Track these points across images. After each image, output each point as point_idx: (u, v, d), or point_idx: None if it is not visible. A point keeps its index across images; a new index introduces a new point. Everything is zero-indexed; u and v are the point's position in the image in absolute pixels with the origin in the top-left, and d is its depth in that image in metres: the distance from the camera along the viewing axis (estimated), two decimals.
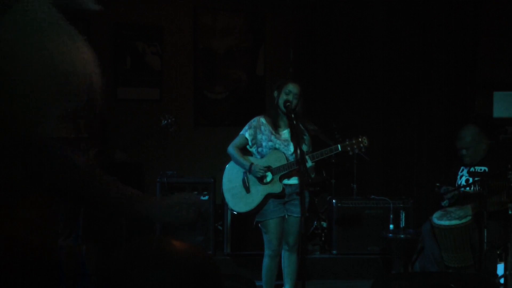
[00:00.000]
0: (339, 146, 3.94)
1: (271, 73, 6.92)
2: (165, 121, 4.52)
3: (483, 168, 4.58)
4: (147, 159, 6.40)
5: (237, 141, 4.22)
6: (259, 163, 4.09)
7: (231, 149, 4.20)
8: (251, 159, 4.18)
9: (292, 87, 4.09)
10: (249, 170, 4.09)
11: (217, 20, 6.86)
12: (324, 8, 6.65)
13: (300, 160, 3.79)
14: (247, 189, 4.10)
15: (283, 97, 4.07)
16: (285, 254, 4.22)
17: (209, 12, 6.83)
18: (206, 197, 5.25)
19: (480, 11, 6.60)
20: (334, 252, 5.37)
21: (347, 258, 5.35)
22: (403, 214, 5.16)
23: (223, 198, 5.30)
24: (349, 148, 3.93)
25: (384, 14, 6.61)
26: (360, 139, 3.92)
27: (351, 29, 6.64)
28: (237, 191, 4.16)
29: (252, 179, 4.12)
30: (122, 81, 6.54)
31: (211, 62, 6.86)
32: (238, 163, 4.17)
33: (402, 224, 5.13)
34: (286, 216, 4.13)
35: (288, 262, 4.23)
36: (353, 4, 6.62)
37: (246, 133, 4.18)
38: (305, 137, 4.17)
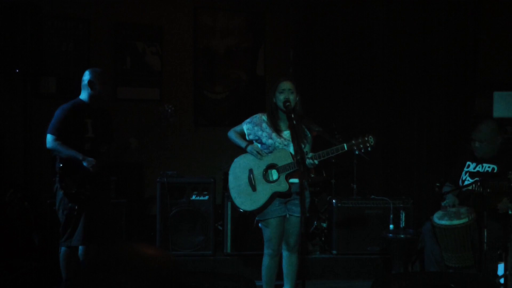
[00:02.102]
0: (345, 145, 3.86)
1: (271, 73, 6.92)
2: (164, 112, 4.52)
3: (491, 165, 4.57)
4: (147, 159, 6.40)
5: (237, 128, 4.26)
6: (264, 161, 4.08)
7: (231, 132, 4.25)
8: (247, 158, 4.15)
9: (283, 84, 4.08)
10: (245, 148, 4.13)
11: (217, 20, 6.86)
12: (324, 8, 6.64)
13: (300, 160, 3.78)
14: (253, 187, 4.07)
15: (279, 97, 4.06)
16: (285, 255, 4.21)
17: (209, 12, 6.83)
18: (206, 197, 5.25)
19: (480, 11, 6.60)
20: (334, 252, 5.37)
21: (347, 258, 5.35)
22: (403, 214, 5.16)
23: (223, 196, 5.34)
24: (355, 148, 3.85)
25: (384, 14, 6.61)
26: (366, 138, 3.85)
27: (351, 29, 6.64)
28: (243, 189, 4.11)
29: (258, 177, 4.08)
30: (122, 81, 6.54)
31: (211, 62, 6.86)
32: (236, 143, 4.21)
33: (402, 224, 5.13)
34: (288, 216, 4.13)
35: (289, 262, 4.21)
36: (353, 4, 6.61)
37: (245, 126, 4.20)
38: (307, 137, 4.16)
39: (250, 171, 4.11)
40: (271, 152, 4.09)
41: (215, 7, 6.84)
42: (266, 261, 4.17)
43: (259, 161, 4.09)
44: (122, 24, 6.53)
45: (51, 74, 6.14)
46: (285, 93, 4.04)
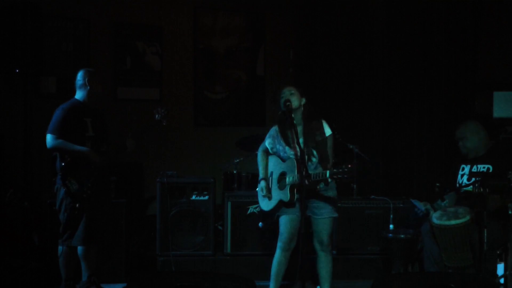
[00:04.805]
0: (327, 172, 3.89)
1: (271, 73, 6.92)
2: (158, 115, 4.56)
3: (486, 165, 4.57)
4: (147, 159, 6.40)
5: (262, 146, 4.41)
6: (280, 167, 4.22)
7: (259, 153, 4.41)
8: (274, 160, 4.29)
9: (285, 89, 4.19)
10: (259, 181, 4.34)
11: (217, 20, 6.86)
12: (324, 8, 6.65)
13: (300, 160, 3.81)
14: (269, 190, 4.28)
15: (281, 102, 4.17)
16: (320, 255, 4.25)
17: (209, 12, 6.83)
18: (206, 197, 5.25)
19: (480, 11, 6.59)
20: (334, 252, 5.35)
21: (347, 258, 5.35)
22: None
23: (223, 197, 5.33)
24: (339, 176, 3.84)
25: (384, 14, 6.61)
26: (347, 168, 3.80)
27: (351, 29, 6.64)
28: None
29: (273, 182, 4.26)
30: (122, 81, 6.54)
31: (211, 62, 6.86)
32: (258, 169, 4.39)
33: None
34: (314, 218, 4.19)
35: (324, 263, 4.25)
36: (353, 4, 6.62)
37: (266, 141, 4.34)
38: (315, 140, 4.19)
39: (271, 173, 4.32)
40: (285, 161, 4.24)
41: (215, 7, 6.84)
42: (277, 254, 4.26)
43: (277, 166, 4.25)
44: (122, 24, 6.53)
45: (51, 74, 6.14)
46: (285, 96, 4.15)
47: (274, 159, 4.31)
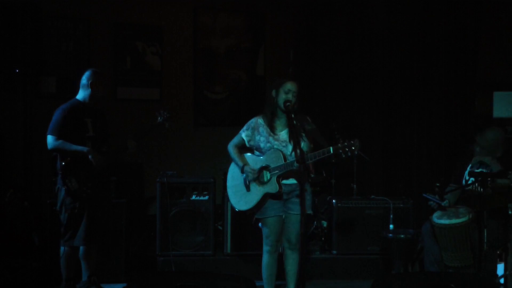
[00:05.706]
0: (331, 148, 3.84)
1: (271, 73, 6.92)
2: (161, 118, 4.57)
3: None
4: (147, 159, 6.40)
5: (235, 140, 4.27)
6: (258, 162, 4.11)
7: (230, 147, 4.27)
8: (249, 156, 4.21)
9: (290, 86, 4.10)
10: (241, 171, 4.16)
11: (217, 20, 6.86)
12: (324, 8, 6.65)
13: (300, 159, 3.78)
14: (247, 188, 4.15)
15: (282, 96, 4.08)
16: (287, 253, 4.23)
17: (209, 12, 6.83)
18: (206, 197, 5.25)
19: (480, 11, 6.60)
20: (334, 252, 5.37)
21: (347, 258, 5.35)
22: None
23: (223, 196, 5.34)
24: (340, 151, 3.79)
25: (384, 14, 6.61)
26: (352, 142, 3.77)
27: (351, 29, 6.64)
28: (239, 189, 4.20)
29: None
30: (122, 81, 6.53)
31: (211, 62, 6.86)
32: (234, 161, 4.25)
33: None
34: (284, 216, 4.15)
35: (291, 260, 4.23)
36: (353, 4, 6.62)
37: (243, 133, 4.22)
38: (303, 135, 4.16)
39: None
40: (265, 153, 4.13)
41: (215, 7, 6.84)
42: (265, 258, 4.22)
43: (254, 162, 4.15)
44: (122, 24, 6.53)
45: (51, 74, 6.14)
46: (290, 95, 4.08)
47: (249, 157, 4.21)
